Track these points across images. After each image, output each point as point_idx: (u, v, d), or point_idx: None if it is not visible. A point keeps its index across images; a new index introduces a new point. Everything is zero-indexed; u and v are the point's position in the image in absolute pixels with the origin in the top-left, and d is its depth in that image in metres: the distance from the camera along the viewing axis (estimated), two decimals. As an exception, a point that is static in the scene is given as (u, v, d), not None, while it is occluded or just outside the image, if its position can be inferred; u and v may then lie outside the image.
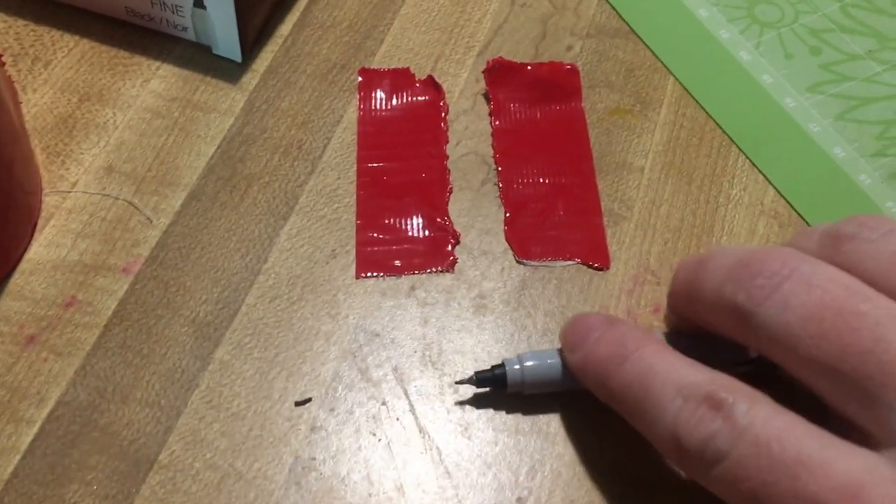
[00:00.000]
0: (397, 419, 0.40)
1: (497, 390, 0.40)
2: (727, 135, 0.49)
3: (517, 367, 0.39)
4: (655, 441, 0.34)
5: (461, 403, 0.40)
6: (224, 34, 0.49)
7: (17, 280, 0.43)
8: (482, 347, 0.42)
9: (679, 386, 0.32)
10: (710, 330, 0.36)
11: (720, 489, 0.31)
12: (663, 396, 0.32)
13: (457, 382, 0.40)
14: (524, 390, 0.40)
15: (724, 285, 0.33)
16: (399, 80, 0.50)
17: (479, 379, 0.40)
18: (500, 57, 0.51)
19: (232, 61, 0.50)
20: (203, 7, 0.48)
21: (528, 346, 0.42)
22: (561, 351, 0.39)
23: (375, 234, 0.45)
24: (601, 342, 0.36)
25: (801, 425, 0.30)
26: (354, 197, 0.46)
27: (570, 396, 0.40)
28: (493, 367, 0.40)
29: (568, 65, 0.51)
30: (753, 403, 0.31)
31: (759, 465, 0.29)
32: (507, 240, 0.45)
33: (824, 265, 0.32)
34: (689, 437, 0.31)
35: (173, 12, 0.49)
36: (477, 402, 0.40)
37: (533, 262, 0.44)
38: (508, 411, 0.40)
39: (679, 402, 0.32)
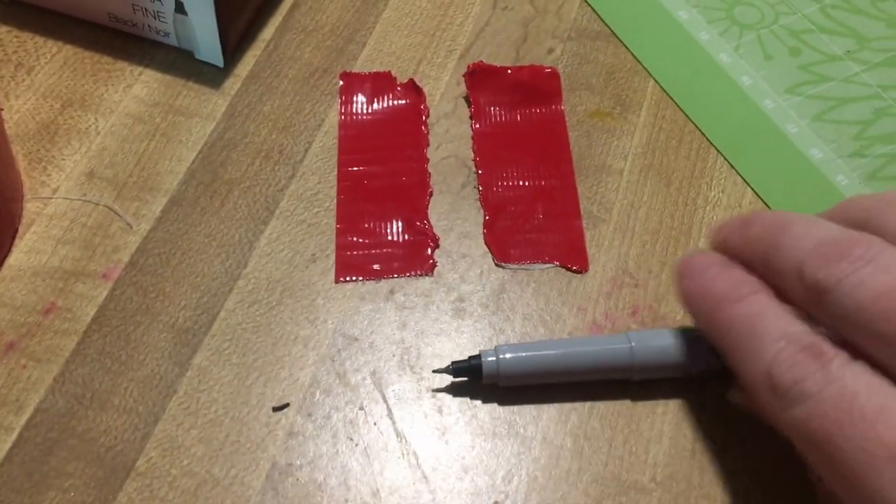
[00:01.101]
0: (375, 424, 0.40)
1: (473, 381, 0.41)
2: (706, 137, 0.49)
3: (493, 358, 0.39)
4: (747, 375, 0.34)
5: (439, 406, 0.41)
6: (206, 39, 0.49)
7: (-3, 287, 0.43)
8: (460, 351, 0.42)
9: (786, 331, 0.33)
10: (775, 288, 0.36)
11: (795, 431, 0.32)
12: (767, 336, 0.33)
13: (434, 371, 0.41)
14: (499, 382, 0.40)
15: (807, 260, 0.33)
16: (380, 83, 0.51)
17: (455, 369, 0.40)
18: (481, 61, 0.51)
19: (214, 66, 0.51)
20: (184, 13, 0.48)
21: (506, 350, 0.42)
22: (537, 343, 0.41)
23: (355, 239, 0.45)
24: (719, 277, 0.37)
25: (892, 387, 0.31)
26: (335, 201, 0.46)
27: (546, 400, 0.40)
28: (470, 358, 0.40)
29: (548, 68, 0.51)
30: (851, 360, 0.32)
31: (841, 408, 0.30)
32: (486, 243, 0.45)
33: None
34: (782, 375, 0.32)
35: (155, 18, 0.49)
36: (455, 405, 0.41)
37: (512, 266, 0.45)
38: (486, 416, 0.40)
39: (782, 343, 0.33)
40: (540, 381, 0.40)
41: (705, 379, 0.41)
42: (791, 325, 0.34)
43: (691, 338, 0.39)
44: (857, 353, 0.32)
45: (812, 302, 0.33)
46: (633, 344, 0.40)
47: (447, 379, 0.41)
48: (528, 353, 0.40)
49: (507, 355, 0.40)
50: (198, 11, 0.48)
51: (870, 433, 0.30)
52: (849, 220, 0.35)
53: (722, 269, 0.37)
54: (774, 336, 0.33)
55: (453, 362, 0.40)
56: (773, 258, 0.35)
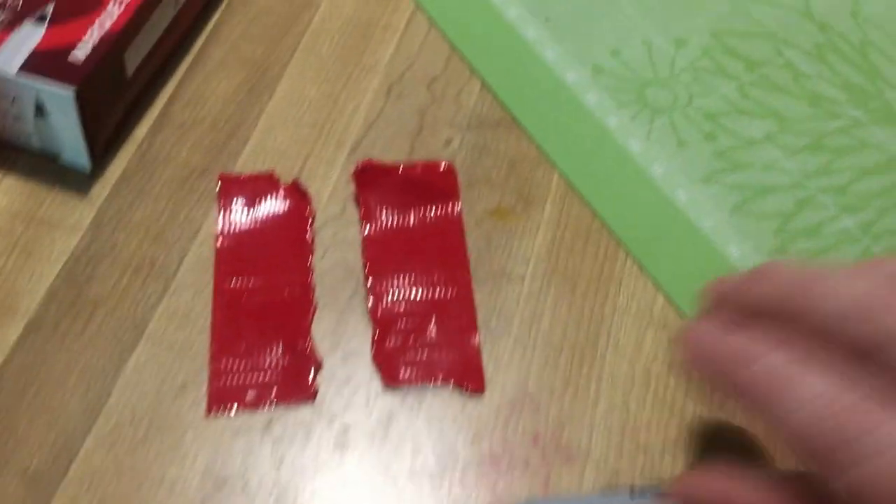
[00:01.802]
0: (245, 582, 0.36)
1: None
2: (615, 235, 0.45)
3: None
4: (785, 433, 0.31)
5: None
6: (70, 142, 0.46)
7: None
8: (343, 490, 0.38)
9: (825, 388, 0.30)
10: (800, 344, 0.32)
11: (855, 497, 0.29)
12: (808, 389, 0.30)
13: None
14: None
15: (850, 314, 0.30)
16: (262, 186, 0.47)
17: None
18: (370, 159, 0.47)
19: (81, 170, 0.47)
20: (44, 115, 0.44)
21: (395, 490, 0.38)
22: None
23: (230, 363, 0.41)
24: (733, 339, 0.34)
25: None
26: (209, 320, 0.42)
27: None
28: None
29: (443, 164, 0.47)
30: None
31: None
32: (375, 362, 0.41)
33: None
34: (827, 436, 0.29)
35: (15, 120, 0.45)
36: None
37: (402, 388, 0.41)
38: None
39: (821, 401, 0.30)
40: None
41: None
42: (827, 382, 0.30)
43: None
44: None
45: (859, 356, 0.30)
46: None
47: None
48: None
49: None
50: (59, 114, 0.44)
51: None
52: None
53: (734, 330, 0.34)
54: (820, 388, 0.30)
55: None
56: (804, 313, 0.32)
